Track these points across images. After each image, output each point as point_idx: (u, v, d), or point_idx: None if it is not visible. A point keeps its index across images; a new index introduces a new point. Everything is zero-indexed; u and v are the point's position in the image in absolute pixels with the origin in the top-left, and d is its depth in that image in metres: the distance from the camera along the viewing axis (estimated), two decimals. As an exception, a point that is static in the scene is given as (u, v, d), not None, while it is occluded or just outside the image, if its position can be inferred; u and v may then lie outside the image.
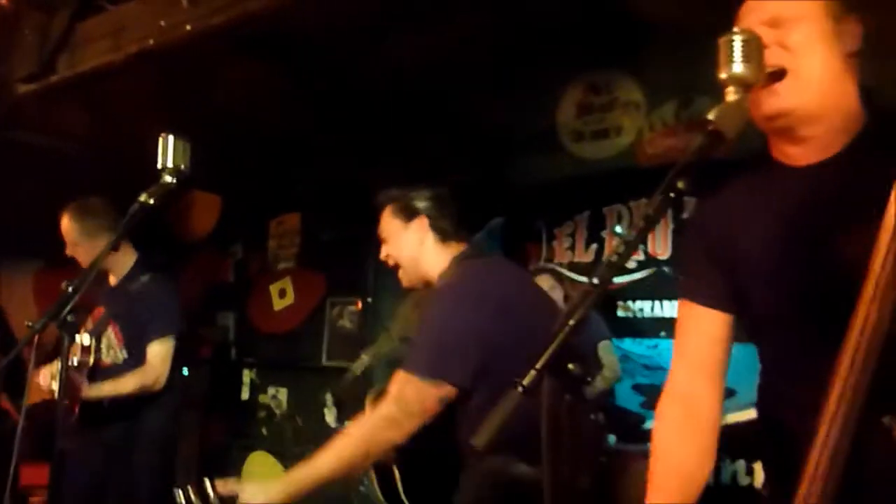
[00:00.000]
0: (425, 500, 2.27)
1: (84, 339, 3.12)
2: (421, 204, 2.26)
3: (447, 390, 1.96)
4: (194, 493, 1.85)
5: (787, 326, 1.32)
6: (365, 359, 2.77)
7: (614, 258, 1.06)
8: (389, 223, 2.29)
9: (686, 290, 1.48)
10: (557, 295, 4.19)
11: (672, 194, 1.06)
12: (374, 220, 2.36)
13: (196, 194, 5.67)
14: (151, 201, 1.90)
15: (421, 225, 2.24)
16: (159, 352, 3.12)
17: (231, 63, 3.39)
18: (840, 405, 0.93)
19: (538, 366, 0.98)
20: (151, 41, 2.81)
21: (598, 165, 4.62)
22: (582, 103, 4.69)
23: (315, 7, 2.82)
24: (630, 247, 1.08)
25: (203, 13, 2.62)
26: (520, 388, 0.98)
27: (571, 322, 1.00)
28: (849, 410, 0.92)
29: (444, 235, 2.25)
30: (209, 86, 3.57)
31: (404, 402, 1.96)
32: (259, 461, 5.56)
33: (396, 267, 2.31)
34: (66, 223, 3.24)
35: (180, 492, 1.86)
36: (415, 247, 2.25)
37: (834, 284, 1.08)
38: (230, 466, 5.46)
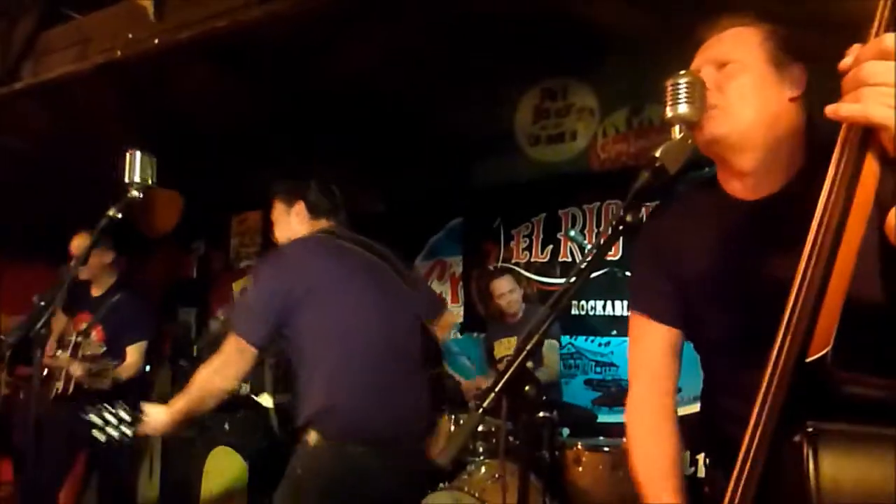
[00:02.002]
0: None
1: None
2: (301, 190, 2.55)
3: (247, 346, 2.30)
4: (108, 411, 2.32)
5: (731, 349, 1.39)
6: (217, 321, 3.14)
7: (565, 290, 1.14)
8: (276, 210, 2.59)
9: (638, 304, 1.54)
10: (517, 296, 4.30)
11: (621, 227, 1.17)
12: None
13: (158, 191, 5.64)
14: (119, 216, 2.00)
15: (300, 208, 2.53)
16: (135, 352, 3.95)
17: (195, 69, 3.44)
18: (760, 419, 0.98)
19: (497, 388, 1.06)
20: (118, 52, 2.85)
21: (553, 169, 4.75)
22: (539, 108, 4.82)
23: (280, 21, 2.89)
24: (581, 278, 1.17)
25: (170, 28, 2.67)
26: (480, 410, 1.05)
27: (528, 347, 1.08)
28: (767, 424, 0.97)
29: (315, 213, 2.53)
30: (173, 90, 3.61)
31: (225, 353, 2.33)
32: (220, 455, 5.59)
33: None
34: None
35: (93, 413, 2.32)
36: (293, 227, 2.54)
37: (774, 313, 1.11)
38: (195, 460, 5.49)
